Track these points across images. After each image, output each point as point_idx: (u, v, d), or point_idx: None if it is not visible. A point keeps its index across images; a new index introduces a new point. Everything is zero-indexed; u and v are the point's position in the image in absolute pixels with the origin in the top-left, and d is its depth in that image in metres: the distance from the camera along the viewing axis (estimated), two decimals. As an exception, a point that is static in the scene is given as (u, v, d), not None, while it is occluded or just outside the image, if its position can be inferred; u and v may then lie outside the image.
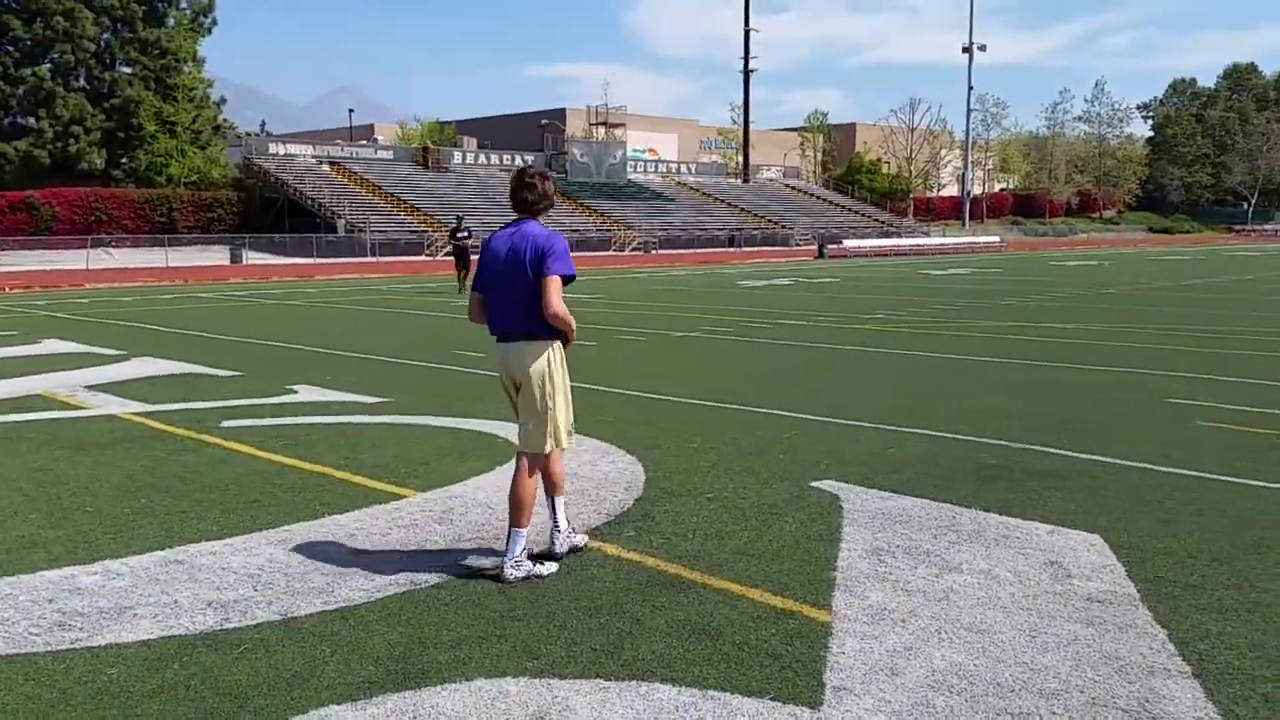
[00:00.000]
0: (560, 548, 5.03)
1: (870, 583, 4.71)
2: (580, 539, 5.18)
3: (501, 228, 4.93)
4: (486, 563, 4.97)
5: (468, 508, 5.95)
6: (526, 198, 4.87)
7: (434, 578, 4.77)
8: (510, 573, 4.72)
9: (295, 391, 10.17)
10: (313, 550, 5.19)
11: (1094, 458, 7.11)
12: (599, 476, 6.68)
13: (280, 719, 3.49)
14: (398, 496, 6.20)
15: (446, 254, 41.53)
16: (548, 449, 4.85)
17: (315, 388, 10.37)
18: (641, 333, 15.78)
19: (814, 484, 6.44)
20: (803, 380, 10.82)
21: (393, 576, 4.79)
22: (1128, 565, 4.92)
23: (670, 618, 4.31)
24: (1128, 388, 10.18)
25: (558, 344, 4.86)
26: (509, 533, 4.82)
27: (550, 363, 4.81)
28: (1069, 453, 7.27)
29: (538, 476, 4.93)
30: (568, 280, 4.77)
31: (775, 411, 8.85)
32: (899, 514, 5.79)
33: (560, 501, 5.09)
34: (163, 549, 5.26)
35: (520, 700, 3.58)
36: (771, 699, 3.59)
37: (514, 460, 5.00)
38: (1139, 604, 4.44)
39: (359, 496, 6.20)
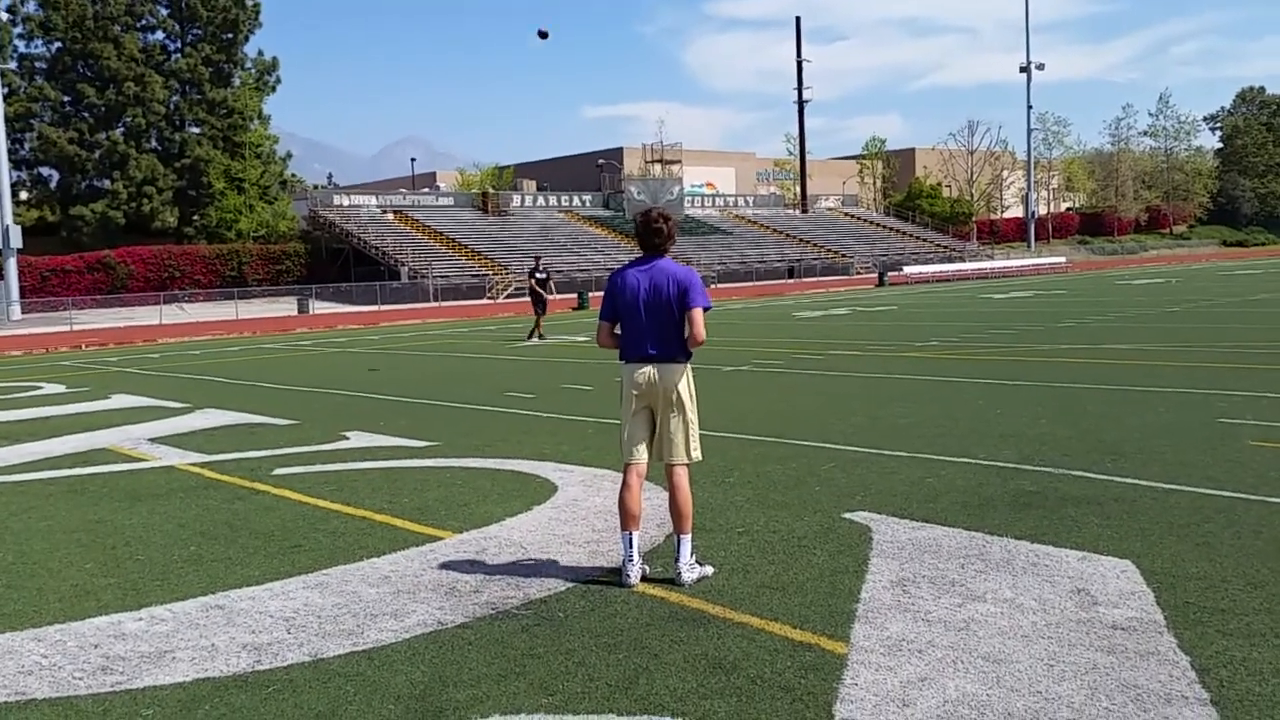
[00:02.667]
0: (686, 575, 5.27)
1: (891, 614, 4.71)
2: (696, 571, 5.34)
3: (630, 264, 5.51)
4: (606, 568, 5.47)
5: (500, 548, 6.05)
6: (655, 240, 5.47)
7: (460, 618, 4.88)
8: (686, 575, 5.23)
9: (347, 438, 10.41)
10: (347, 593, 5.34)
11: (1134, 481, 7.02)
12: (634, 514, 6.73)
13: (301, 759, 3.60)
14: (434, 539, 6.33)
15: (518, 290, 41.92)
16: (700, 455, 5.51)
17: (367, 434, 10.61)
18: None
19: (846, 516, 6.45)
20: (847, 412, 10.79)
21: (421, 617, 4.91)
22: (1158, 591, 4.86)
23: (688, 653, 4.36)
24: (1178, 408, 10.00)
25: (690, 367, 5.49)
26: (677, 540, 5.33)
27: (690, 379, 5.47)
28: (1109, 477, 7.18)
29: (689, 480, 5.44)
30: (705, 311, 5.38)
31: (816, 444, 8.85)
32: (929, 544, 5.78)
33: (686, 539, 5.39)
34: (205, 594, 5.44)
35: (532, 737, 3.65)
36: (780, 732, 3.62)
37: (666, 476, 5.48)
38: (1164, 630, 4.38)
39: (397, 539, 6.35)
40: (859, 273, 66.96)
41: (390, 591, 5.33)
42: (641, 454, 5.47)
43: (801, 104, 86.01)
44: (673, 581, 5.26)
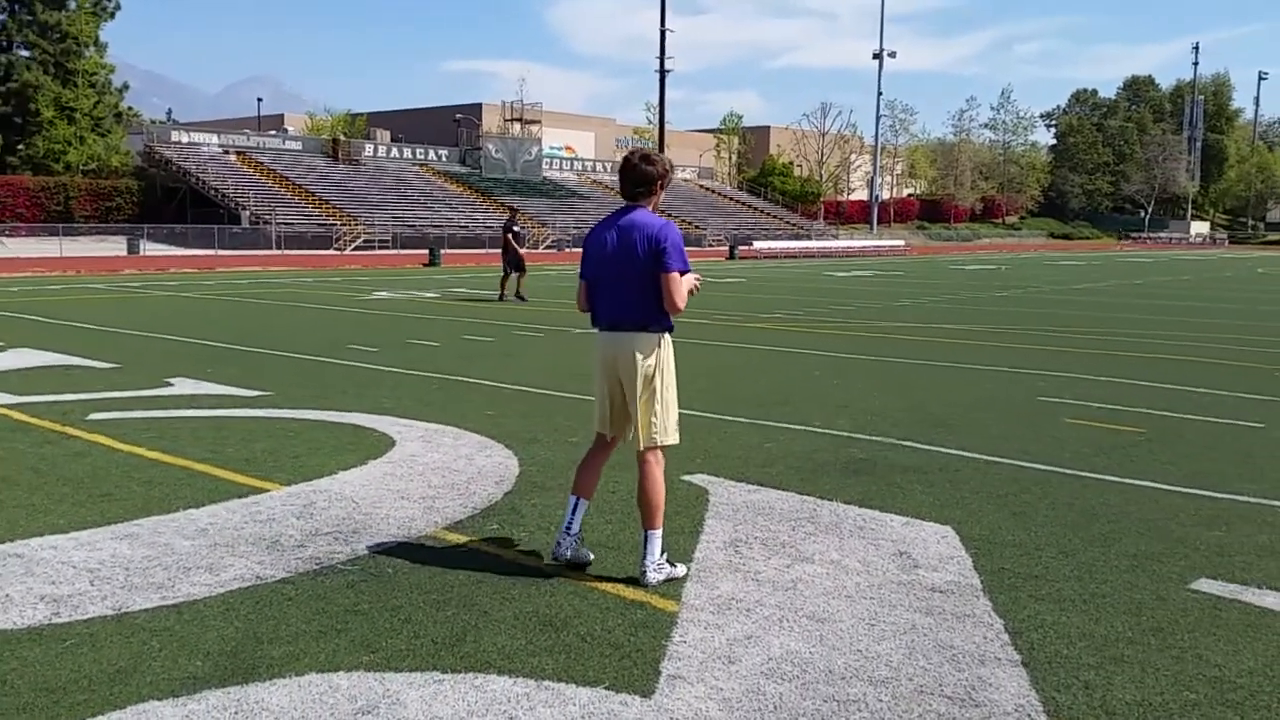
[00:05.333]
0: (652, 575, 4.63)
1: (723, 573, 4.75)
2: (664, 572, 4.67)
3: (609, 215, 4.80)
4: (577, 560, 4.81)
5: (330, 502, 5.84)
6: (629, 185, 4.72)
7: (281, 573, 4.68)
8: (652, 575, 4.59)
9: (171, 385, 9.90)
10: (159, 545, 5.05)
11: (958, 453, 7.28)
12: (472, 470, 6.62)
13: (97, 715, 3.38)
14: (260, 490, 6.07)
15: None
16: (675, 439, 4.81)
17: (193, 380, 10.12)
18: (541, 329, 15.71)
19: (685, 478, 6.47)
20: (691, 377, 10.85)
21: (238, 571, 4.68)
22: (975, 556, 5.04)
23: (519, 610, 4.29)
24: (1002, 386, 10.44)
25: (668, 336, 4.78)
26: (644, 536, 4.68)
27: (665, 354, 4.75)
28: (935, 448, 7.43)
29: (661, 470, 4.76)
30: (683, 274, 4.66)
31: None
32: (763, 506, 5.85)
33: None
34: (3, 542, 5.07)
35: (349, 694, 3.52)
36: (606, 688, 3.59)
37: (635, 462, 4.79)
38: (981, 594, 4.54)
39: (218, 490, 6.05)
40: (710, 245, 67.77)
41: (207, 544, 5.07)
42: (607, 426, 4.87)
43: (663, 73, 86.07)
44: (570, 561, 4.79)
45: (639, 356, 4.67)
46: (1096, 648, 4.00)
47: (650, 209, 4.78)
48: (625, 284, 4.67)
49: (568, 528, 4.80)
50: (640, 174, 4.73)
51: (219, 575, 4.64)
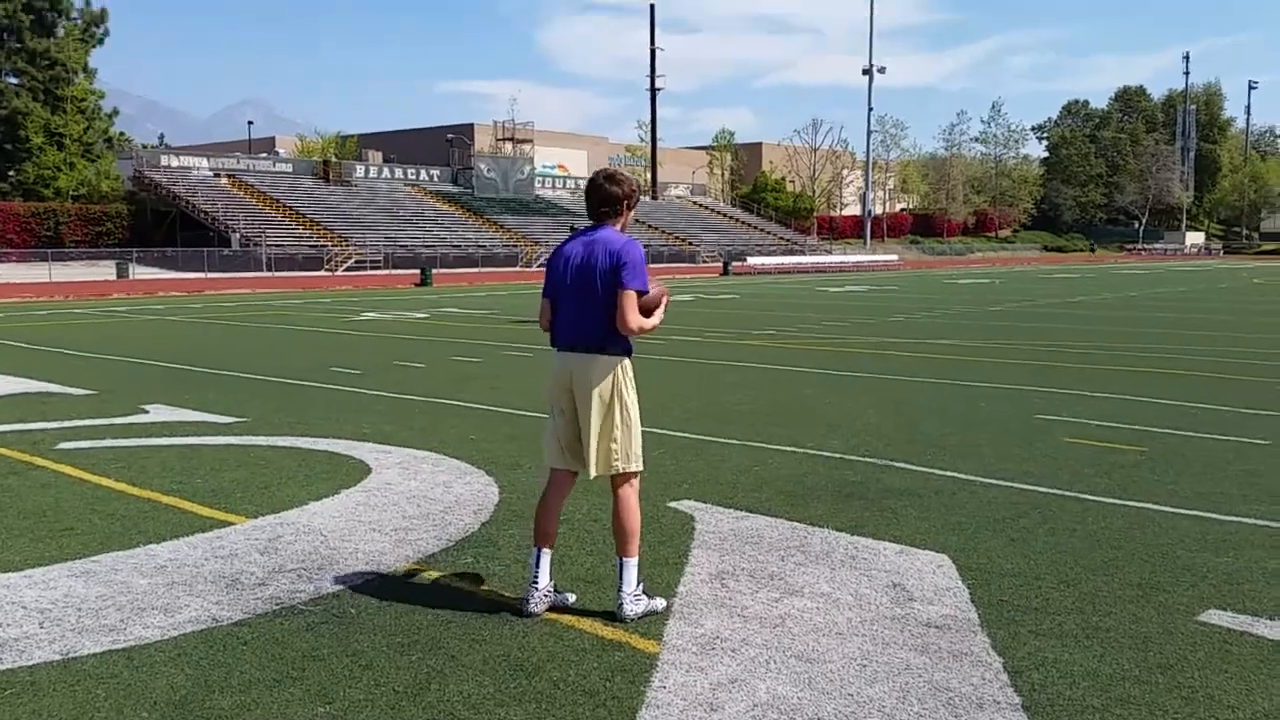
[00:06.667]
0: (629, 608, 4.40)
1: (707, 609, 4.50)
2: (643, 604, 4.42)
3: (574, 234, 4.57)
4: (570, 598, 4.55)
5: (297, 535, 5.59)
6: (594, 204, 4.51)
7: (239, 614, 4.42)
8: (630, 608, 4.35)
9: (147, 411, 9.65)
10: (115, 583, 4.80)
11: (953, 474, 7.04)
12: (450, 499, 6.37)
13: (27, 779, 3.13)
14: (225, 524, 5.81)
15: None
16: (638, 466, 4.51)
17: (169, 407, 9.87)
18: (530, 349, 15.48)
19: (671, 504, 6.23)
20: (682, 397, 10.63)
21: (194, 613, 4.43)
22: (973, 588, 4.80)
23: (489, 654, 4.04)
24: (998, 404, 10.21)
25: (628, 361, 4.53)
26: (620, 564, 4.43)
27: (623, 377, 4.49)
28: (930, 470, 7.19)
29: (637, 497, 4.51)
30: (639, 295, 4.42)
31: (647, 429, 8.58)
32: (751, 534, 5.61)
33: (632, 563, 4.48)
34: (-49, 584, 4.82)
35: (301, 750, 3.27)
36: (577, 741, 3.34)
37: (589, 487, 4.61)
38: (978, 629, 4.30)
39: (182, 524, 5.80)
40: (705, 261, 67.63)
41: (164, 582, 4.81)
42: (561, 459, 4.56)
43: (654, 91, 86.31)
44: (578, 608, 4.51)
45: (594, 379, 4.42)
46: (1101, 688, 3.76)
47: (617, 229, 4.56)
48: (584, 303, 4.44)
49: (535, 581, 4.49)
50: (605, 194, 4.52)
51: (174, 617, 4.38)
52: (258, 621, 4.35)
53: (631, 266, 4.38)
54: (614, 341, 4.44)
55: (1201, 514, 6.07)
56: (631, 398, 4.51)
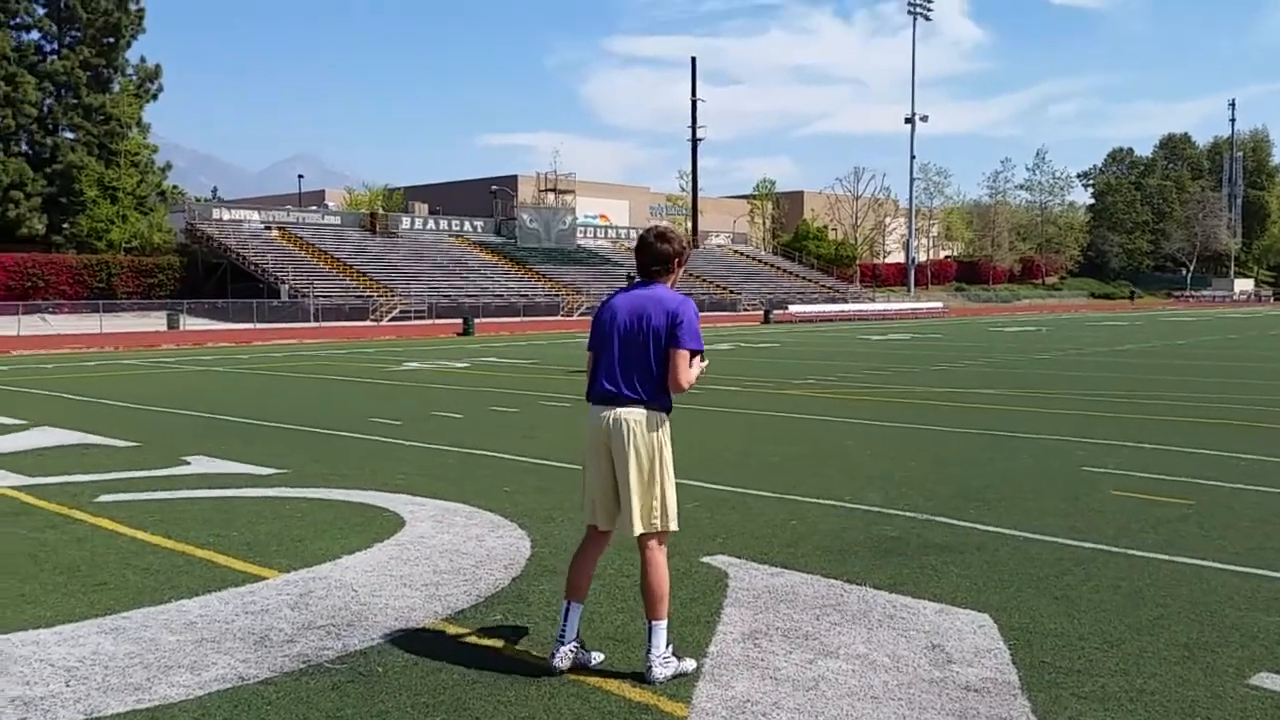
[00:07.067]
0: (659, 671, 4.31)
1: (739, 670, 4.40)
2: (672, 666, 4.34)
3: (624, 288, 4.56)
4: (597, 657, 4.47)
5: (329, 590, 5.57)
6: (666, 250, 4.47)
7: (265, 672, 4.39)
8: (659, 671, 4.27)
9: (188, 463, 9.73)
10: (144, 640, 4.79)
11: (996, 530, 6.88)
12: (482, 553, 6.33)
13: (44, 843, 3.09)
14: (257, 578, 5.80)
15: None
16: (676, 525, 4.45)
17: (210, 459, 9.94)
18: (567, 398, 15.47)
19: (704, 559, 6.14)
20: (718, 449, 10.54)
21: (220, 671, 4.40)
22: (1014, 649, 4.65)
23: (514, 716, 3.97)
24: (1043, 455, 10.02)
25: (667, 419, 4.46)
26: (649, 627, 4.34)
27: (665, 433, 4.43)
28: (972, 524, 7.04)
29: (665, 557, 4.42)
30: (695, 355, 4.40)
31: (682, 481, 8.48)
32: (785, 592, 5.50)
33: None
34: (-17, 639, 4.84)
35: (319, 816, 3.21)
36: (601, 810, 3.26)
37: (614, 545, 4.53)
38: (1018, 693, 4.16)
39: (214, 578, 5.80)
40: (746, 310, 67.58)
41: (193, 640, 4.80)
42: (598, 516, 4.49)
43: (695, 141, 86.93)
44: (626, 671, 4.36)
45: (638, 434, 4.34)
46: (1148, 756, 3.61)
47: (669, 286, 4.52)
48: (631, 358, 4.37)
49: (561, 636, 4.42)
50: (657, 252, 4.50)
51: (200, 675, 4.36)
52: (284, 680, 4.31)
53: (688, 325, 4.34)
54: (657, 398, 4.39)
55: (1251, 570, 5.88)
56: (669, 455, 4.45)
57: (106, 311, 46.33)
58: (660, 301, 4.40)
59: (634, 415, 4.36)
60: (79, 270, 52.08)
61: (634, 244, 4.66)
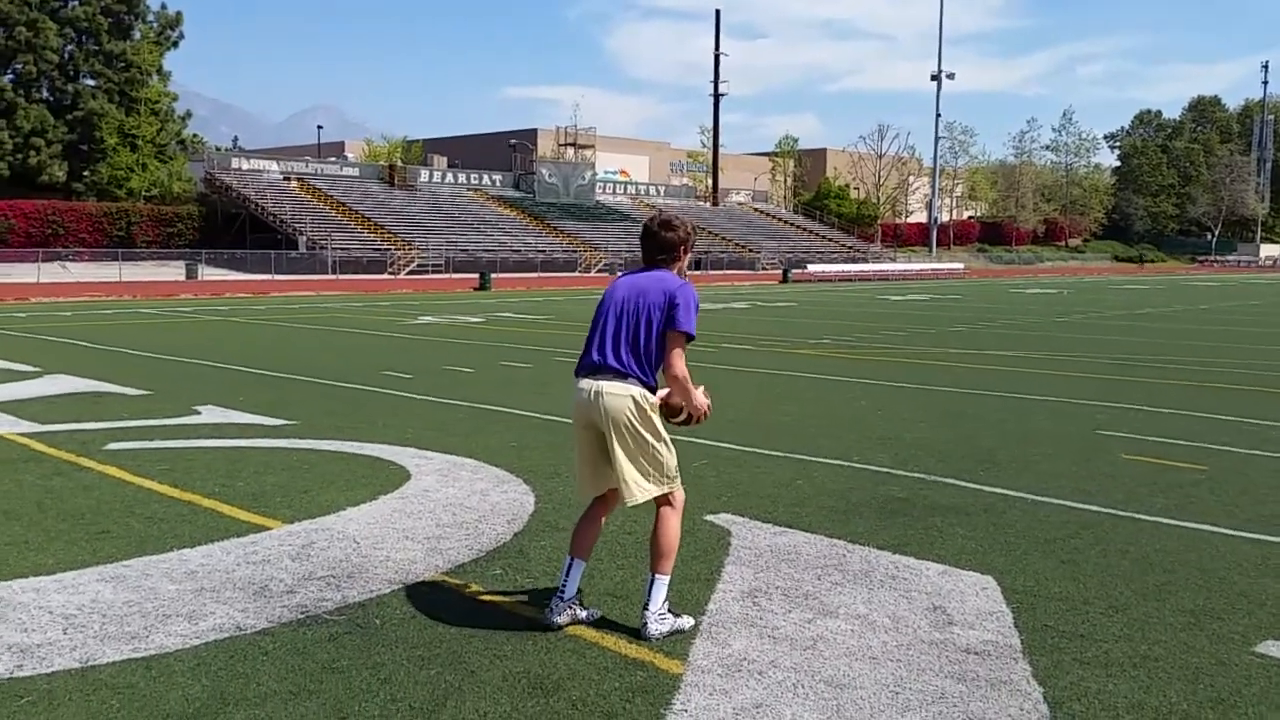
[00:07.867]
0: (654, 627, 4.29)
1: (737, 629, 4.37)
2: (668, 623, 4.32)
3: (629, 271, 4.58)
4: (590, 615, 4.44)
5: (331, 541, 5.56)
6: (671, 238, 4.44)
7: (263, 622, 4.38)
8: (654, 628, 4.25)
9: (199, 413, 9.75)
10: (144, 588, 4.80)
11: (1004, 491, 6.82)
12: (485, 508, 6.31)
13: (34, 788, 3.10)
14: (260, 528, 5.80)
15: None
16: (674, 485, 4.38)
17: (221, 409, 9.95)
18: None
19: (708, 517, 6.10)
20: (729, 407, 10.47)
21: (218, 620, 4.40)
22: (1017, 611, 4.61)
23: (509, 670, 3.95)
24: (1057, 418, 9.92)
25: (652, 398, 4.35)
26: (650, 580, 4.33)
27: (647, 400, 4.32)
28: (981, 486, 6.97)
29: (678, 516, 4.40)
30: (688, 340, 4.34)
31: (690, 439, 8.48)
32: (788, 551, 5.46)
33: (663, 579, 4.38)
34: (-15, 585, 4.85)
35: (308, 767, 3.21)
36: (590, 766, 3.24)
37: (589, 507, 4.53)
38: (1019, 656, 4.12)
39: (218, 528, 5.80)
40: (765, 268, 67.20)
41: (193, 589, 4.80)
42: (593, 490, 4.48)
43: (717, 97, 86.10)
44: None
45: (622, 405, 4.26)
46: (1148, 723, 3.57)
47: (674, 273, 4.46)
48: (625, 331, 4.33)
49: (561, 591, 4.41)
50: (662, 241, 4.46)
51: (197, 624, 4.36)
52: (281, 631, 4.31)
53: (686, 307, 4.28)
54: (640, 374, 4.31)
55: (1262, 537, 5.80)
56: (657, 419, 4.37)
57: (125, 260, 46.47)
58: (661, 280, 4.37)
59: (613, 388, 4.28)
60: (99, 218, 52.18)
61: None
